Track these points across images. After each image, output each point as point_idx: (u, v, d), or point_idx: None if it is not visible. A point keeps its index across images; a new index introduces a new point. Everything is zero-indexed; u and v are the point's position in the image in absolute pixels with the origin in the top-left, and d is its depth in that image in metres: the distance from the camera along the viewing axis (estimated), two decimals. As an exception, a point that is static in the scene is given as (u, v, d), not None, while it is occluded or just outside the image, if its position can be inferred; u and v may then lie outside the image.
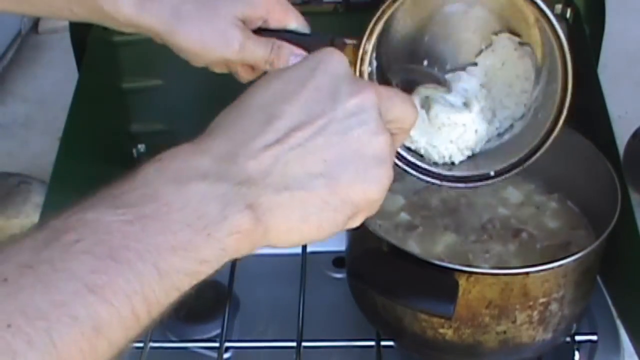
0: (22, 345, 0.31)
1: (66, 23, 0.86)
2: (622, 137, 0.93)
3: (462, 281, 0.61)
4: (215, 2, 0.61)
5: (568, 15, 0.85)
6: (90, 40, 0.85)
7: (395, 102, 0.46)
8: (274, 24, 0.63)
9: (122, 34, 0.88)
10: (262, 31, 0.63)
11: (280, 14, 0.63)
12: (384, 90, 0.46)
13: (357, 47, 0.62)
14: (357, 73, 0.63)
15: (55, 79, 1.29)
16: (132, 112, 0.94)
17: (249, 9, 0.62)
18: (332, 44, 0.62)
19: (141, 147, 0.96)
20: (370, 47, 0.62)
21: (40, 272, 0.34)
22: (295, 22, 0.64)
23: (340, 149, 0.42)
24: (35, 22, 1.41)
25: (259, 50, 0.62)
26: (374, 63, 0.65)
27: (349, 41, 0.63)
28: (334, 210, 0.42)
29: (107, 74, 0.91)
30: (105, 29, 0.86)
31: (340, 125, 0.43)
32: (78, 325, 0.33)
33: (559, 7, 0.85)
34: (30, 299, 0.33)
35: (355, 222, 0.45)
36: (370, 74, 0.64)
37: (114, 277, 0.35)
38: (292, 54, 0.63)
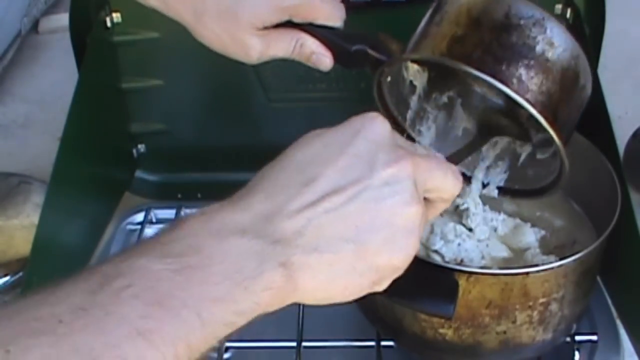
0: None
1: (66, 23, 0.86)
2: (622, 137, 0.92)
3: (462, 281, 0.61)
4: (236, 10, 0.61)
5: (568, 15, 0.85)
6: (90, 40, 0.85)
7: (435, 175, 0.47)
8: (299, 20, 0.63)
9: (122, 34, 0.89)
10: (289, 23, 0.62)
11: (305, 12, 0.62)
12: (423, 161, 0.47)
13: (378, 62, 0.62)
14: (376, 83, 0.63)
15: (55, 79, 1.29)
16: (132, 112, 0.94)
17: (270, 17, 0.62)
18: (355, 52, 0.62)
19: (141, 147, 0.96)
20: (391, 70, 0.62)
21: (93, 315, 0.35)
22: (322, 18, 0.63)
23: (372, 216, 0.44)
24: (35, 22, 1.41)
25: (279, 52, 0.63)
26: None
27: (371, 52, 0.62)
28: (360, 275, 0.44)
29: (107, 74, 0.91)
30: (106, 28, 0.87)
31: (374, 193, 0.44)
32: None
33: (559, 7, 0.85)
34: (84, 340, 0.35)
35: (380, 287, 0.46)
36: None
37: (162, 324, 0.37)
38: (313, 53, 0.63)
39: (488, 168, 0.67)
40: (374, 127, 0.46)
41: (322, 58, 0.63)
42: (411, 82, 0.66)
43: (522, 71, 0.54)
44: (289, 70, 0.89)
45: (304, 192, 0.43)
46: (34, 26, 1.41)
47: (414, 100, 0.67)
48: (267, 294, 0.41)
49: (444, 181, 0.48)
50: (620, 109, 1.07)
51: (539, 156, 0.65)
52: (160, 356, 0.36)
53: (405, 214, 0.44)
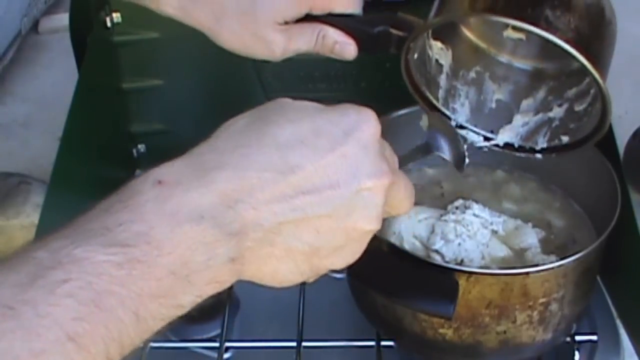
0: None
1: (66, 23, 0.86)
2: (622, 137, 0.92)
3: (462, 281, 0.61)
4: (255, 7, 0.61)
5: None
6: (90, 40, 0.85)
7: (401, 196, 0.47)
8: (318, 11, 0.62)
9: (122, 34, 0.89)
10: (308, 16, 0.62)
11: (323, 3, 0.62)
12: (401, 181, 0.47)
13: (402, 40, 0.62)
14: (403, 61, 0.63)
15: (55, 79, 1.29)
16: (132, 112, 0.94)
17: (289, 11, 0.62)
18: (378, 33, 0.62)
19: (141, 147, 0.96)
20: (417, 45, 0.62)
21: (22, 317, 0.33)
22: (340, 6, 0.63)
23: (335, 226, 0.43)
24: (35, 22, 1.41)
25: (302, 46, 0.63)
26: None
27: (394, 31, 0.62)
28: (300, 273, 0.44)
29: (107, 74, 0.91)
30: (106, 28, 0.87)
31: (346, 202, 0.42)
32: None
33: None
34: (9, 346, 0.32)
35: (309, 281, 0.46)
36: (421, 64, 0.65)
37: (95, 326, 0.34)
38: (336, 42, 0.62)
39: (529, 135, 0.67)
40: (368, 129, 0.44)
41: (346, 46, 0.63)
42: (437, 60, 0.66)
43: (548, 12, 0.54)
44: (289, 70, 0.90)
45: (279, 182, 0.40)
46: (34, 26, 1.41)
47: (442, 79, 0.67)
48: (210, 287, 0.39)
49: (402, 204, 0.48)
50: (620, 109, 1.07)
51: (577, 108, 0.64)
52: (90, 358, 0.34)
53: (366, 230, 0.44)
